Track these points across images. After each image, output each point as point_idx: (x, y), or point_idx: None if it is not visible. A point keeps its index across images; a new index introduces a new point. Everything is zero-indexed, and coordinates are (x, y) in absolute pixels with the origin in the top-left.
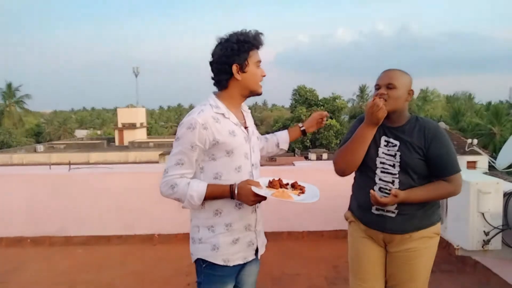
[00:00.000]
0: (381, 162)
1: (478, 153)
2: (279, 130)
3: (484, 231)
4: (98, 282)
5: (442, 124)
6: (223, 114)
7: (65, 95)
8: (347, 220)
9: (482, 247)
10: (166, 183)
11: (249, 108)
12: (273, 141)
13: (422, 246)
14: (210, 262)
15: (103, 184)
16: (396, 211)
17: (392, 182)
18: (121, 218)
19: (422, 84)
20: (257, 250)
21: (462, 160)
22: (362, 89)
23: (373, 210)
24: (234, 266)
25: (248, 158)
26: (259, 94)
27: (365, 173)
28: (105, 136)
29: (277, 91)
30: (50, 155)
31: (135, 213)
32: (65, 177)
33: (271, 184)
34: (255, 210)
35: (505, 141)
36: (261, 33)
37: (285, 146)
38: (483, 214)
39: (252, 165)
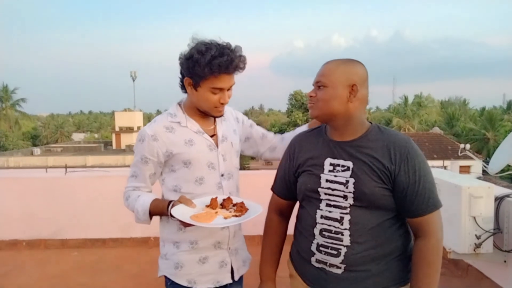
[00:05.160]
0: (326, 194)
1: (471, 158)
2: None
3: (475, 235)
4: (93, 285)
5: (437, 129)
6: (179, 123)
7: (62, 98)
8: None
9: (474, 250)
10: (124, 194)
11: (246, 113)
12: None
13: None
14: (174, 282)
15: (99, 187)
16: (342, 266)
17: (340, 220)
18: (117, 221)
19: (417, 90)
20: (233, 272)
21: (455, 165)
22: None
23: (313, 262)
24: None
25: (215, 168)
26: (216, 117)
27: (305, 208)
28: (102, 140)
29: (273, 96)
30: (47, 159)
31: (130, 216)
32: (62, 180)
33: (210, 203)
34: (227, 226)
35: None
36: (233, 57)
37: None
38: (474, 218)
39: (222, 175)
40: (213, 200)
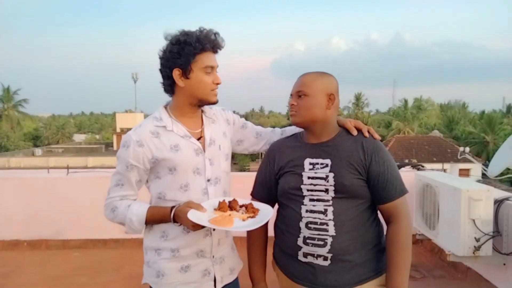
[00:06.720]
0: (308, 190)
1: (471, 161)
2: None
3: (475, 238)
4: (94, 286)
5: (436, 132)
6: (164, 127)
7: (63, 99)
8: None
9: (473, 253)
10: (107, 206)
11: (245, 115)
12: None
13: None
14: None
15: (101, 188)
16: (329, 256)
17: (324, 212)
18: None
19: (417, 93)
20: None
21: (455, 168)
22: (358, 97)
23: (300, 257)
24: None
25: (201, 173)
26: (212, 103)
27: (288, 206)
28: (103, 141)
29: (274, 98)
30: (48, 159)
31: None
32: (63, 181)
33: (219, 206)
34: (210, 233)
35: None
36: (215, 33)
37: None
38: (474, 220)
39: (208, 180)
40: (223, 203)
